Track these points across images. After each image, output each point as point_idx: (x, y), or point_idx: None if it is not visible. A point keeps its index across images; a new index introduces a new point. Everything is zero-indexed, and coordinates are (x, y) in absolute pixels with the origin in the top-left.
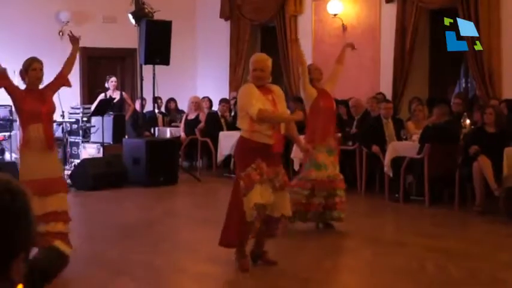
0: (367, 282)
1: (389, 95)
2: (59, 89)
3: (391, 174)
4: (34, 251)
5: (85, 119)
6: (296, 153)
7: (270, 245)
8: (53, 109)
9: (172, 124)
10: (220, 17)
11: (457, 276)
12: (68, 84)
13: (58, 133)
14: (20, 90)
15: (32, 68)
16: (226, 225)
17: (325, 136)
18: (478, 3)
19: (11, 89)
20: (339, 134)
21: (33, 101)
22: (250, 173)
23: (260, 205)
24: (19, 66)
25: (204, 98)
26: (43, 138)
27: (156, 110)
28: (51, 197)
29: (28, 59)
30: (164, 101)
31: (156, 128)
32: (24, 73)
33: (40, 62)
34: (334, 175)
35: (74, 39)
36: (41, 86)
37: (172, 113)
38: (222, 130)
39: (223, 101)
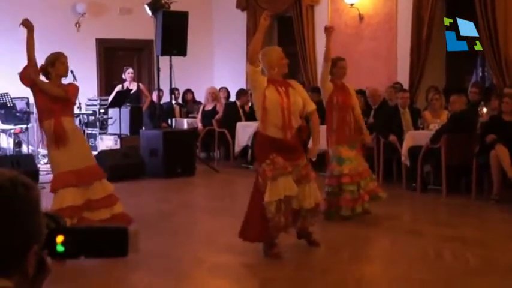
0: (384, 272)
1: (406, 85)
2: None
3: (408, 164)
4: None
5: (102, 110)
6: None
7: (285, 236)
8: (72, 102)
9: (190, 115)
10: (237, 7)
11: (474, 265)
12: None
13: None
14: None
15: (60, 62)
16: (246, 218)
17: (344, 131)
18: None
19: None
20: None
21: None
22: (265, 169)
23: (273, 202)
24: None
25: (221, 88)
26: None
27: (173, 101)
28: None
29: (54, 53)
30: (181, 92)
31: (173, 119)
32: (50, 67)
33: (66, 56)
34: (359, 166)
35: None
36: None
37: (189, 104)
38: (241, 121)
39: (241, 93)
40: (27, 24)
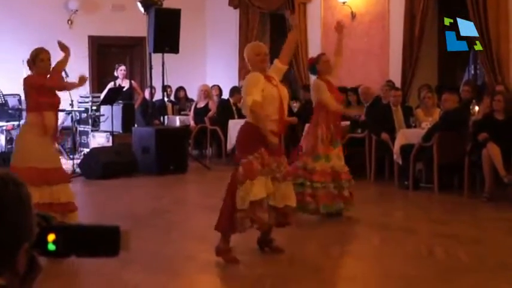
0: (376, 269)
1: (398, 82)
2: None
3: (400, 162)
4: None
5: (94, 107)
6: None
7: (277, 233)
8: (58, 101)
9: (182, 112)
10: (229, 4)
11: (466, 262)
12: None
13: (67, 122)
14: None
15: (39, 59)
16: (221, 210)
17: (330, 128)
18: None
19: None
20: (348, 122)
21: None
22: (252, 161)
23: (262, 200)
24: (28, 55)
25: (213, 86)
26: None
27: (166, 99)
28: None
29: (35, 49)
30: (174, 90)
31: (166, 117)
32: (31, 63)
33: (47, 52)
34: (340, 166)
35: (65, 48)
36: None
37: (181, 102)
38: (233, 118)
39: (234, 91)
40: (63, 46)
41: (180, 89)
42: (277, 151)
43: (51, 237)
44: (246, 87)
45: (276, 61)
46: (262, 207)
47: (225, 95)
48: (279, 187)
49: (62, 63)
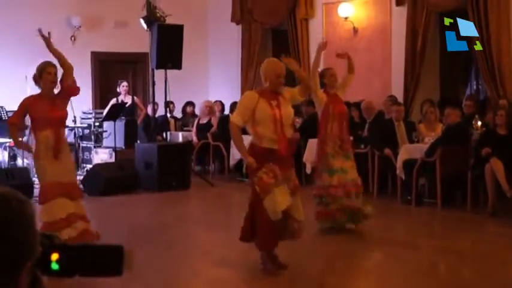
0: (379, 285)
1: (400, 97)
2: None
3: (403, 177)
4: None
5: (97, 124)
6: (308, 157)
7: (280, 249)
8: (63, 115)
9: (185, 128)
10: (232, 20)
11: (469, 278)
12: (74, 92)
13: (70, 138)
14: (27, 101)
15: (46, 72)
16: (244, 225)
17: (340, 141)
18: (488, 5)
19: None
20: (351, 138)
21: (43, 107)
22: (262, 176)
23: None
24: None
25: (215, 101)
26: (52, 145)
27: (168, 114)
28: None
29: (42, 63)
30: (180, 105)
31: (168, 133)
32: (38, 77)
33: (54, 66)
34: (356, 178)
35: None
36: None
37: (187, 117)
38: None
39: (235, 106)
40: (42, 34)
41: (189, 104)
42: (285, 165)
43: (54, 256)
44: (238, 105)
45: (297, 89)
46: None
47: (227, 111)
48: (296, 200)
49: (66, 71)
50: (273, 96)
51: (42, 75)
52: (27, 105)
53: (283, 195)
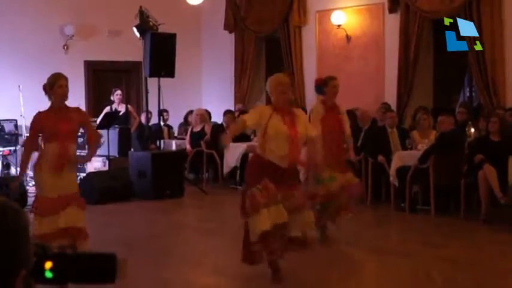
0: None
1: (393, 105)
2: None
3: (396, 184)
4: None
5: None
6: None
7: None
8: (74, 129)
9: (178, 136)
10: (225, 29)
11: (463, 286)
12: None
13: None
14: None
15: (57, 85)
16: (243, 243)
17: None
18: (481, 13)
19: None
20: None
21: (51, 120)
22: (255, 194)
23: (267, 232)
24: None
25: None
26: (56, 158)
27: (162, 123)
28: (64, 212)
29: (54, 74)
30: (174, 113)
31: (162, 141)
32: (49, 89)
33: (66, 79)
34: (348, 180)
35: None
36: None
37: (187, 125)
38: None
39: (228, 112)
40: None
41: (191, 112)
42: (287, 184)
43: (48, 264)
44: (250, 110)
45: (310, 127)
46: (274, 238)
47: (215, 119)
48: (295, 218)
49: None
50: (287, 112)
51: (54, 87)
52: (39, 123)
53: (271, 217)
